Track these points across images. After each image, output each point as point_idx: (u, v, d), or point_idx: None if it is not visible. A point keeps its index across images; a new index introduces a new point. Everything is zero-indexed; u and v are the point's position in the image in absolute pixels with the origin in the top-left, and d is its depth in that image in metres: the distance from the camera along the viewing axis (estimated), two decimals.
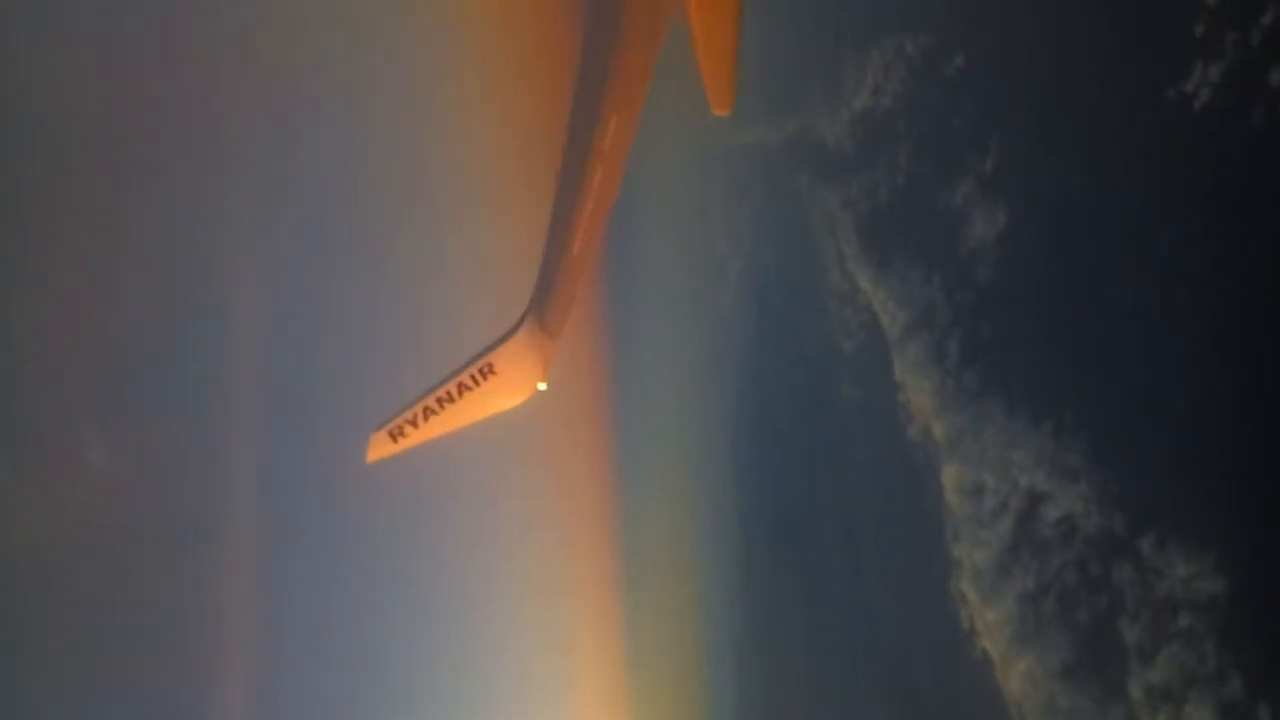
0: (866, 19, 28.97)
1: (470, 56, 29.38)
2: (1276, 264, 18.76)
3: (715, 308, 36.37)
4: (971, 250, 25.92)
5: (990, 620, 25.03)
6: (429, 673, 36.53)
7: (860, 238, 30.19)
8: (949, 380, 26.59)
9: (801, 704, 33.31)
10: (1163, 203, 21.08)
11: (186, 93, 27.05)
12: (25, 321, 27.38)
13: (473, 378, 11.22)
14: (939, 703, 27.45)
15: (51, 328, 27.72)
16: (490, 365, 11.24)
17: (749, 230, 35.44)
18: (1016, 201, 25.01)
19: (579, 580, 38.65)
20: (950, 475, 26.61)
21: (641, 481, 37.99)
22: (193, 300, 30.18)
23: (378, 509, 33.04)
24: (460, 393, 11.22)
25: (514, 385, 11.35)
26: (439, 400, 11.21)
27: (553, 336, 11.37)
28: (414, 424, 11.24)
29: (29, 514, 28.51)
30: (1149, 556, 21.23)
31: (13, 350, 27.29)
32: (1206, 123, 20.01)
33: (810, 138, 31.65)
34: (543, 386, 11.47)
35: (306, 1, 27.90)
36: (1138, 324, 21.73)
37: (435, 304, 31.96)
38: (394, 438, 11.25)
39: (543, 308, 11.30)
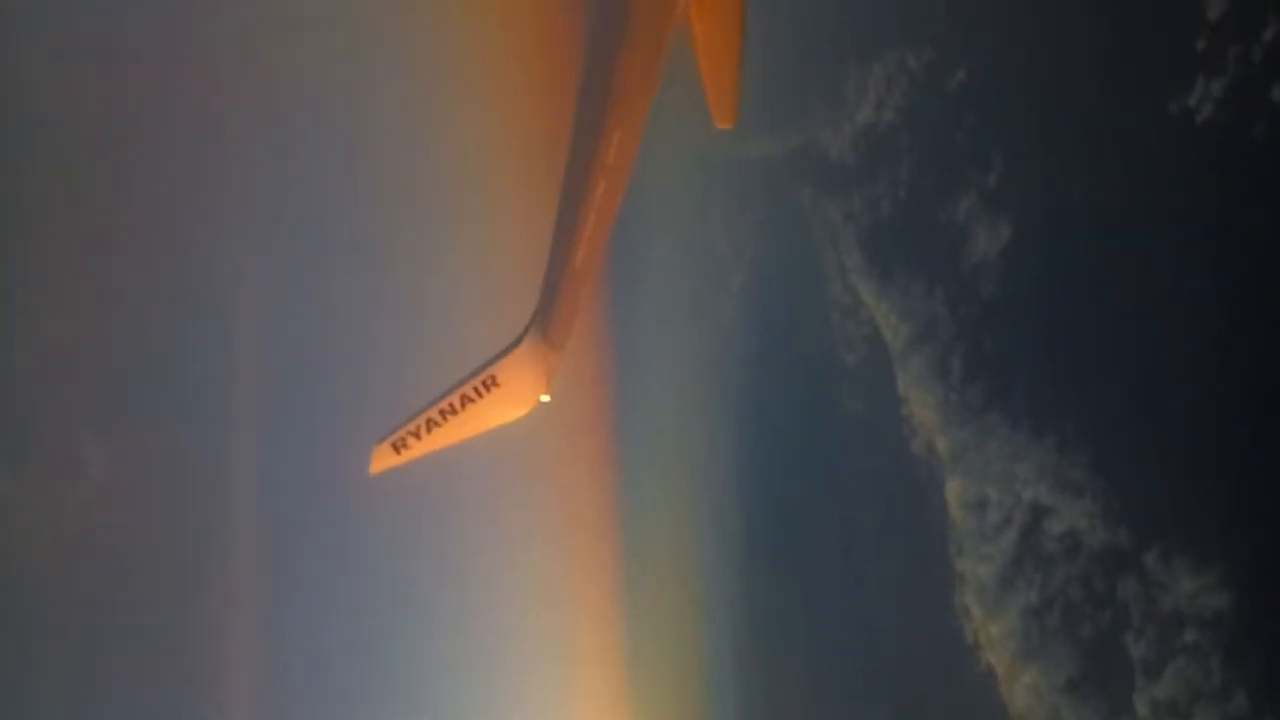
0: (869, 33, 29.05)
1: (471, 58, 29.34)
2: None
3: (718, 320, 36.36)
4: (974, 264, 25.93)
5: (994, 634, 24.95)
6: (431, 680, 36.50)
7: (863, 251, 30.20)
8: (953, 395, 26.56)
9: (802, 713, 33.18)
10: (1165, 217, 21.10)
11: (186, 93, 27.12)
12: (25, 324, 27.42)
13: (476, 390, 11.23)
14: (942, 714, 27.36)
15: (51, 330, 27.74)
16: (493, 377, 11.25)
17: (751, 243, 35.46)
18: (1019, 215, 25.03)
19: (581, 589, 38.60)
20: (954, 489, 26.56)
21: (644, 493, 37.95)
22: (193, 304, 30.22)
23: (380, 516, 33.03)
24: (463, 405, 11.23)
25: (517, 397, 11.35)
26: (442, 412, 11.22)
27: (556, 349, 11.37)
28: (417, 436, 11.23)
29: (30, 517, 28.51)
30: (1154, 571, 21.16)
31: (13, 353, 27.32)
32: (1208, 137, 20.05)
33: (813, 151, 31.70)
34: (546, 399, 11.48)
35: (306, 2, 27.94)
36: (1141, 338, 21.71)
37: (437, 305, 31.99)
38: (397, 449, 11.25)
39: (546, 320, 11.30)
